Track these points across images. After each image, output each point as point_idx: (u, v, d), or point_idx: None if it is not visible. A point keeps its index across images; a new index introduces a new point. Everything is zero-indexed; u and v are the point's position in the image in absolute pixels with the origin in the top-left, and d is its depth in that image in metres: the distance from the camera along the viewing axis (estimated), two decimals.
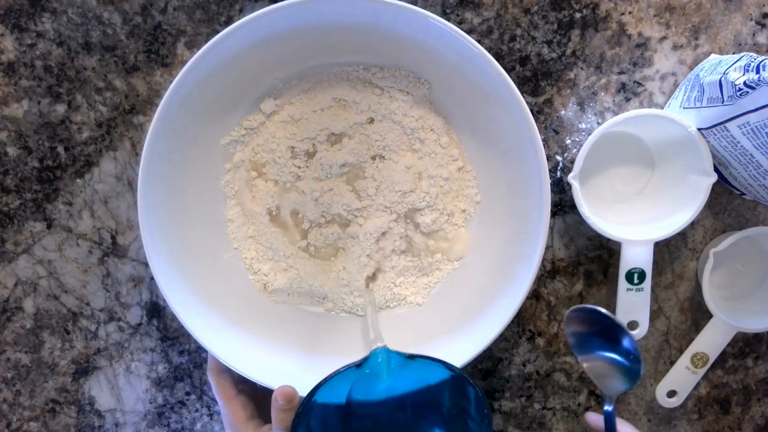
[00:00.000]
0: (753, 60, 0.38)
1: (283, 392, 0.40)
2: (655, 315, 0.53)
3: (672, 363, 0.53)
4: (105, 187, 0.50)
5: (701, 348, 0.51)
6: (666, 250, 0.52)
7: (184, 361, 0.53)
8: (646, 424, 0.55)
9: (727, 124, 0.41)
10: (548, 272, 0.52)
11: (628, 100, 0.50)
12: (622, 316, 0.49)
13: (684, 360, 0.51)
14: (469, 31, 0.48)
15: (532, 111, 0.42)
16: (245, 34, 0.41)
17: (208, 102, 0.45)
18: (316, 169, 0.48)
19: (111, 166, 0.50)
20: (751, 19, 0.49)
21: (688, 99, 0.46)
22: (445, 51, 0.43)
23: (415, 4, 0.44)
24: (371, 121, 0.48)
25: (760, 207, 0.51)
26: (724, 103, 0.41)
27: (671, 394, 0.52)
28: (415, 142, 0.48)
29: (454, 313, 0.48)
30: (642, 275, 0.48)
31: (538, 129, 0.42)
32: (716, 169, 0.46)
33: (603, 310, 0.45)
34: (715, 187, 0.46)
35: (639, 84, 0.49)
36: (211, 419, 0.54)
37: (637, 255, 0.48)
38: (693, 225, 0.51)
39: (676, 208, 0.47)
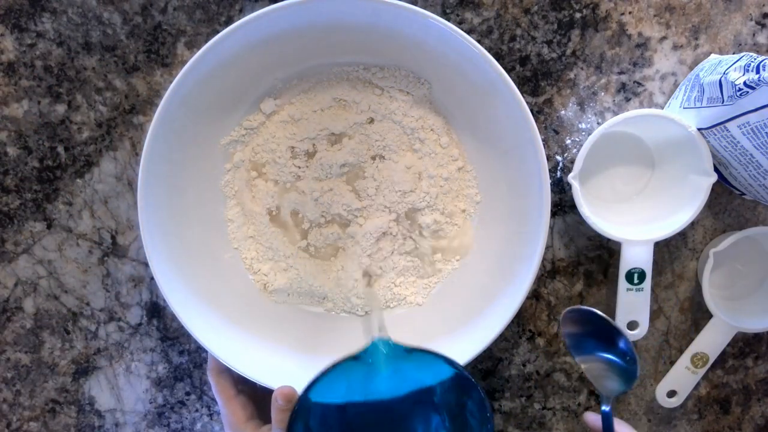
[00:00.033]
0: (753, 60, 0.38)
1: (283, 392, 0.40)
2: (655, 315, 0.53)
3: (672, 363, 0.53)
4: (105, 187, 0.50)
5: (701, 348, 0.51)
6: (666, 250, 0.52)
7: (184, 361, 0.53)
8: (646, 424, 0.55)
9: (727, 124, 0.41)
10: (548, 272, 0.52)
11: (628, 100, 0.50)
12: (622, 316, 0.49)
13: (684, 360, 0.51)
14: (469, 31, 0.48)
15: (532, 111, 0.42)
16: (245, 34, 0.41)
17: (208, 102, 0.45)
18: (316, 169, 0.48)
19: (111, 166, 0.50)
20: (751, 19, 0.49)
21: (688, 99, 0.46)
22: (445, 51, 0.43)
23: (415, 4, 0.44)
24: (371, 121, 0.48)
25: (760, 207, 0.51)
26: (724, 103, 0.41)
27: (671, 394, 0.52)
28: (415, 142, 0.48)
29: (454, 313, 0.48)
30: (642, 275, 0.48)
31: (538, 129, 0.42)
32: (716, 169, 0.46)
33: (598, 312, 0.45)
34: (715, 187, 0.46)
35: (639, 84, 0.49)
36: (211, 419, 0.54)
37: (637, 255, 0.48)
38: (693, 225, 0.51)
39: (676, 208, 0.47)
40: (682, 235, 0.51)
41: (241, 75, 0.45)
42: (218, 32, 0.41)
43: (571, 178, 0.46)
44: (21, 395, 0.53)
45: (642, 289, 0.48)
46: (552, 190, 0.45)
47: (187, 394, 0.54)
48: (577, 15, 0.49)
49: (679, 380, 0.52)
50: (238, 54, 0.43)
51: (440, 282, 0.50)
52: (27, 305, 0.52)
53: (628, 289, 0.48)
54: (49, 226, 0.51)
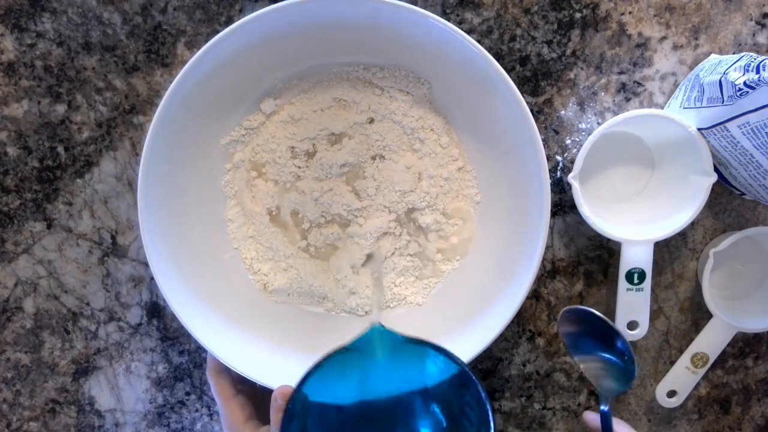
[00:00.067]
0: (753, 60, 0.38)
1: (283, 392, 0.40)
2: (655, 315, 0.53)
3: (672, 363, 0.53)
4: (105, 187, 0.50)
5: (701, 348, 0.51)
6: (666, 250, 0.52)
7: (184, 361, 0.53)
8: (646, 424, 0.55)
9: (727, 124, 0.41)
10: (548, 272, 0.52)
11: (628, 100, 0.50)
12: (622, 316, 0.49)
13: (684, 360, 0.51)
14: (469, 31, 0.48)
15: (532, 111, 0.42)
16: (245, 34, 0.41)
17: (208, 102, 0.45)
18: (316, 169, 0.48)
19: (111, 166, 0.50)
20: (751, 19, 0.49)
21: (688, 99, 0.46)
22: (445, 51, 0.43)
23: (415, 4, 0.44)
24: (371, 121, 0.48)
25: (760, 207, 0.51)
26: (724, 103, 0.41)
27: (671, 394, 0.52)
28: (415, 142, 0.48)
29: (454, 313, 0.48)
30: (642, 275, 0.48)
31: (538, 129, 0.42)
32: (716, 169, 0.46)
33: (596, 312, 0.45)
34: (715, 187, 0.46)
35: (639, 84, 0.49)
36: (211, 419, 0.54)
37: (637, 255, 0.48)
38: (693, 225, 0.51)
39: (676, 208, 0.47)
40: (682, 235, 0.51)
41: (241, 75, 0.45)
42: (218, 32, 0.41)
43: (571, 178, 0.46)
44: (21, 395, 0.53)
45: (642, 289, 0.48)
46: (552, 190, 0.45)
47: (187, 394, 0.54)
48: (577, 15, 0.49)
49: (679, 380, 0.52)
50: (238, 54, 0.43)
51: (440, 282, 0.50)
52: (27, 305, 0.52)
53: (628, 289, 0.48)
54: (49, 226, 0.51)
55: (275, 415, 0.40)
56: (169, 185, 0.45)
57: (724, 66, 0.42)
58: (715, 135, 0.43)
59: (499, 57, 0.49)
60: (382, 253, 0.49)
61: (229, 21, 0.48)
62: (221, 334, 0.45)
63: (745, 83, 0.38)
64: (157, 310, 0.52)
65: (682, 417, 0.54)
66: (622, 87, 0.50)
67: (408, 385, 0.36)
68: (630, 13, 0.48)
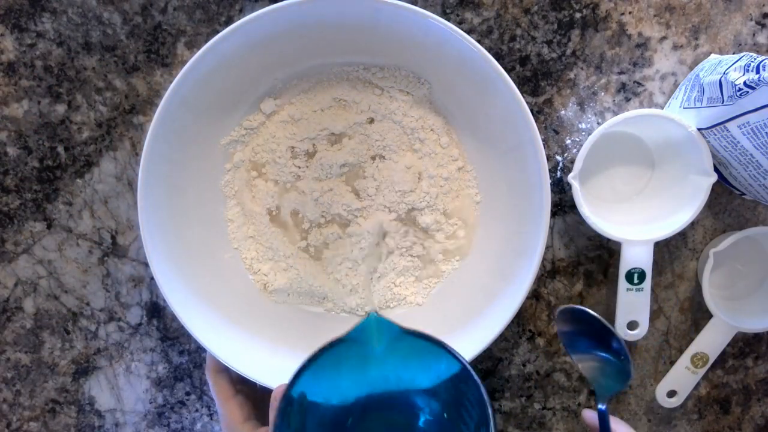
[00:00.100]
0: (753, 60, 0.38)
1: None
2: (655, 315, 0.53)
3: (672, 363, 0.53)
4: (105, 187, 0.50)
5: (701, 348, 0.51)
6: (666, 250, 0.52)
7: (184, 361, 0.53)
8: (646, 424, 0.54)
9: (727, 124, 0.41)
10: (548, 272, 0.52)
11: (628, 100, 0.50)
12: (622, 316, 0.49)
13: (684, 360, 0.51)
14: (469, 31, 0.48)
15: (532, 111, 0.42)
16: (245, 34, 0.41)
17: (208, 102, 0.45)
18: (316, 169, 0.48)
19: (111, 166, 0.50)
20: (751, 19, 0.49)
21: (688, 99, 0.46)
22: (445, 51, 0.43)
23: (415, 4, 0.44)
24: (371, 121, 0.48)
25: (760, 207, 0.51)
26: (724, 103, 0.41)
27: (671, 394, 0.52)
28: (415, 142, 0.48)
29: (454, 313, 0.48)
30: (642, 275, 0.48)
31: (538, 129, 0.42)
32: (716, 169, 0.46)
33: (591, 312, 0.45)
34: (715, 187, 0.46)
35: (639, 84, 0.49)
36: (211, 419, 0.54)
37: (637, 255, 0.48)
38: (693, 225, 0.51)
39: (676, 208, 0.47)
40: (682, 235, 0.51)
41: (241, 75, 0.45)
42: (218, 32, 0.41)
43: (571, 178, 0.46)
44: (21, 395, 0.53)
45: (642, 289, 0.48)
46: (552, 190, 0.45)
47: (187, 394, 0.54)
48: (577, 15, 0.49)
49: (679, 380, 0.52)
50: (238, 54, 0.43)
51: (440, 282, 0.50)
52: (27, 305, 0.52)
53: (628, 289, 0.48)
54: (49, 226, 0.51)
55: (273, 416, 0.40)
56: (169, 185, 0.45)
57: (724, 66, 0.42)
58: (715, 135, 0.43)
59: (499, 57, 0.49)
60: (380, 251, 0.49)
61: (229, 21, 0.48)
62: (221, 334, 0.45)
63: (745, 83, 0.38)
64: (157, 310, 0.52)
65: (682, 417, 0.54)
66: (622, 87, 0.50)
67: (406, 381, 0.35)
68: (630, 13, 0.48)
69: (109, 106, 0.49)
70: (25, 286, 0.51)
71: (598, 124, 0.50)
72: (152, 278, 0.48)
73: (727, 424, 0.55)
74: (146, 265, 0.51)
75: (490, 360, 0.53)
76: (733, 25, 0.49)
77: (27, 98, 0.49)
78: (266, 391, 0.43)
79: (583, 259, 0.52)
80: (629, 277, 0.48)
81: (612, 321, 0.50)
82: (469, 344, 0.44)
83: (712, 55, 0.49)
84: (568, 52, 0.49)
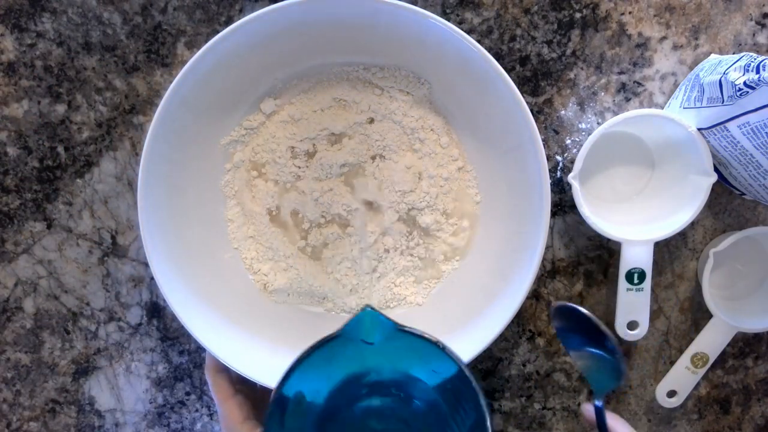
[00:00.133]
0: (753, 60, 0.38)
1: None
2: (655, 315, 0.53)
3: (672, 363, 0.53)
4: (105, 187, 0.50)
5: (701, 348, 0.51)
6: (666, 250, 0.52)
7: (184, 361, 0.53)
8: (646, 424, 0.54)
9: (727, 124, 0.41)
10: (548, 272, 0.52)
11: (628, 100, 0.50)
12: (622, 316, 0.49)
13: (684, 360, 0.51)
14: (469, 31, 0.48)
15: (532, 111, 0.42)
16: (245, 34, 0.41)
17: (208, 102, 0.45)
18: (316, 169, 0.48)
19: (111, 166, 0.50)
20: (751, 19, 0.49)
21: (688, 99, 0.46)
22: (445, 51, 0.43)
23: (415, 4, 0.44)
24: (371, 121, 0.48)
25: (760, 207, 0.51)
26: (724, 103, 0.41)
27: (671, 394, 0.52)
28: (415, 142, 0.48)
29: (454, 313, 0.48)
30: (642, 275, 0.48)
31: (538, 129, 0.42)
32: (716, 169, 0.46)
33: (582, 310, 0.44)
34: (715, 187, 0.46)
35: (639, 84, 0.49)
36: (211, 419, 0.54)
37: (637, 255, 0.48)
38: (693, 225, 0.51)
39: (676, 208, 0.47)
40: (682, 235, 0.51)
41: (241, 75, 0.45)
42: (218, 32, 0.41)
43: (571, 178, 0.46)
44: (21, 395, 0.53)
45: (642, 289, 0.48)
46: (552, 190, 0.45)
47: (187, 394, 0.54)
48: (577, 15, 0.49)
49: (679, 380, 0.52)
50: (238, 54, 0.43)
51: (440, 282, 0.50)
52: (27, 305, 0.52)
53: (628, 289, 0.48)
54: (49, 226, 0.51)
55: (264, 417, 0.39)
56: (169, 185, 0.45)
57: (724, 66, 0.42)
58: (715, 135, 0.43)
59: (499, 57, 0.49)
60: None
61: (229, 21, 0.48)
62: (221, 334, 0.45)
63: (745, 83, 0.38)
64: (157, 310, 0.52)
65: (682, 417, 0.54)
66: (622, 87, 0.50)
67: (397, 380, 0.34)
68: (630, 13, 0.48)
69: (109, 106, 0.49)
70: (25, 286, 0.52)
71: (598, 124, 0.50)
72: (152, 278, 0.48)
73: (727, 424, 0.55)
74: (146, 265, 0.51)
75: (490, 360, 0.53)
76: (733, 25, 0.49)
77: (27, 98, 0.49)
78: (266, 391, 0.43)
79: (583, 259, 0.52)
80: (629, 277, 0.48)
81: (612, 321, 0.50)
82: (469, 344, 0.44)
83: (712, 55, 0.49)
84: (568, 52, 0.49)
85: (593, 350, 0.46)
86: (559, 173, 0.51)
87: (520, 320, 0.53)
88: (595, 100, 0.50)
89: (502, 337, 0.52)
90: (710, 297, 0.50)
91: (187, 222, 0.46)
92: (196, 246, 0.47)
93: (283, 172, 0.49)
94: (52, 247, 0.51)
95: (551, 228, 0.51)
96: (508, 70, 0.46)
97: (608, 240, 0.49)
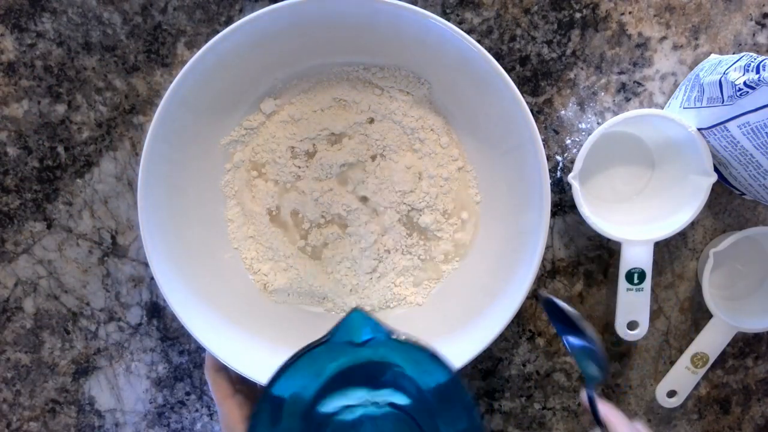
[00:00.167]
0: (753, 60, 0.38)
1: None
2: (655, 315, 0.53)
3: (672, 363, 0.53)
4: (105, 187, 0.50)
5: (701, 348, 0.51)
6: (666, 250, 0.52)
7: (184, 361, 0.53)
8: (646, 424, 0.54)
9: (727, 124, 0.41)
10: (548, 272, 0.52)
11: (628, 100, 0.50)
12: (622, 316, 0.49)
13: (684, 360, 0.51)
14: (469, 31, 0.48)
15: (532, 111, 0.42)
16: (245, 34, 0.41)
17: (208, 102, 0.45)
18: (316, 169, 0.48)
19: (111, 166, 0.50)
20: (751, 19, 0.49)
21: (688, 99, 0.46)
22: (445, 51, 0.43)
23: (415, 4, 0.44)
24: (371, 121, 0.48)
25: (760, 207, 0.51)
26: (724, 103, 0.41)
27: (671, 394, 0.52)
28: (415, 142, 0.48)
29: (454, 313, 0.48)
30: (642, 275, 0.48)
31: (538, 129, 0.42)
32: (716, 169, 0.46)
33: (560, 304, 0.43)
34: (715, 187, 0.46)
35: (639, 84, 0.49)
36: (211, 419, 0.54)
37: (637, 255, 0.48)
38: (693, 225, 0.51)
39: (676, 208, 0.47)
40: (682, 235, 0.51)
41: (241, 75, 0.45)
42: (218, 32, 0.41)
43: (571, 178, 0.46)
44: (21, 395, 0.53)
45: (642, 289, 0.48)
46: (552, 190, 0.45)
47: (187, 394, 0.54)
48: (577, 15, 0.49)
49: (679, 380, 0.52)
50: (238, 54, 0.43)
51: (440, 282, 0.50)
52: (27, 305, 0.52)
53: (628, 289, 0.48)
54: (49, 226, 0.51)
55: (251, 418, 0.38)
56: (169, 185, 0.45)
57: (724, 66, 0.42)
58: (715, 135, 0.43)
59: (499, 57, 0.49)
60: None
61: (229, 21, 0.48)
62: (221, 334, 0.45)
63: (745, 83, 0.38)
64: (157, 310, 0.52)
65: (682, 417, 0.54)
66: (622, 87, 0.50)
67: (385, 386, 0.33)
68: (630, 13, 0.48)
69: (109, 106, 0.49)
70: (25, 286, 0.52)
71: (598, 124, 0.50)
72: (152, 278, 0.48)
73: (727, 424, 0.55)
74: (146, 265, 0.51)
75: (490, 360, 0.53)
76: (733, 25, 0.49)
77: (27, 98, 0.49)
78: None
79: (583, 259, 0.52)
80: (629, 277, 0.48)
81: (612, 321, 0.50)
82: (469, 344, 0.44)
83: (712, 55, 0.49)
84: (568, 52, 0.49)
85: (578, 341, 0.45)
86: (559, 173, 0.51)
87: (520, 320, 0.53)
88: (595, 100, 0.50)
89: (502, 337, 0.52)
90: (710, 297, 0.50)
91: (187, 222, 0.46)
92: (196, 246, 0.47)
93: (283, 172, 0.49)
94: (52, 247, 0.51)
95: (551, 228, 0.51)
96: (508, 70, 0.46)
97: (608, 240, 0.49)
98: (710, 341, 0.51)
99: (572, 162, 0.48)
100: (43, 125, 0.49)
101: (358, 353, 0.32)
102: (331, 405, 0.32)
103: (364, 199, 0.49)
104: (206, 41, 0.41)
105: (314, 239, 0.50)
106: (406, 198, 0.48)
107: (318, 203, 0.49)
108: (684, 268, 0.52)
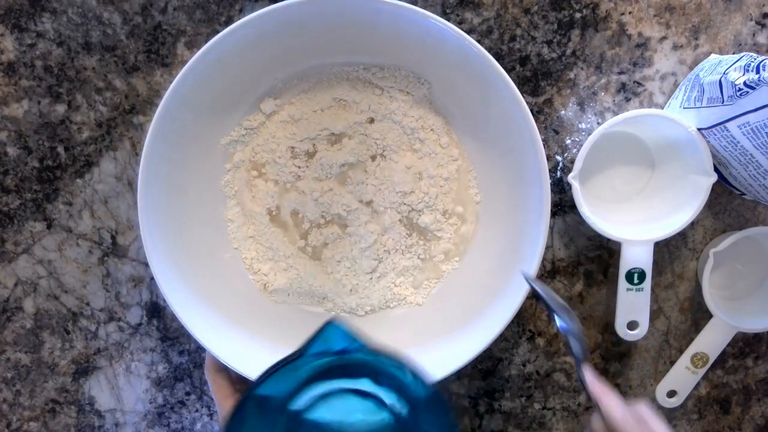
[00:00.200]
0: (753, 60, 0.38)
1: None
2: (655, 315, 0.53)
3: (672, 363, 0.53)
4: (105, 187, 0.50)
5: (701, 348, 0.51)
6: (666, 250, 0.52)
7: (184, 361, 0.53)
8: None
9: (727, 124, 0.41)
10: (548, 272, 0.52)
11: (628, 100, 0.50)
12: (622, 316, 0.49)
13: (684, 360, 0.51)
14: (469, 31, 0.48)
15: (532, 111, 0.42)
16: (245, 34, 0.41)
17: (208, 102, 0.45)
18: (316, 169, 0.48)
19: (111, 166, 0.50)
20: (751, 19, 0.49)
21: (688, 99, 0.46)
22: (445, 51, 0.43)
23: (415, 4, 0.44)
24: (371, 121, 0.48)
25: (760, 207, 0.51)
26: (724, 103, 0.41)
27: (671, 394, 0.52)
28: (415, 142, 0.48)
29: (454, 313, 0.48)
30: (642, 275, 0.48)
31: (538, 129, 0.42)
32: (716, 169, 0.46)
33: (534, 287, 0.42)
34: (715, 187, 0.46)
35: (639, 84, 0.49)
36: (211, 419, 0.54)
37: (637, 255, 0.48)
38: (693, 225, 0.51)
39: (676, 208, 0.47)
40: (682, 235, 0.51)
41: (241, 75, 0.45)
42: (218, 32, 0.41)
43: (571, 178, 0.46)
44: (21, 395, 0.53)
45: (642, 289, 0.48)
46: (552, 190, 0.45)
47: (187, 394, 0.54)
48: (577, 15, 0.49)
49: (679, 380, 0.52)
50: (238, 54, 0.43)
51: (440, 282, 0.50)
52: (27, 305, 0.52)
53: (628, 289, 0.48)
54: (49, 226, 0.51)
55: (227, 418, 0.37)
56: (169, 185, 0.45)
57: (724, 66, 0.42)
58: (715, 135, 0.43)
59: (499, 57, 0.49)
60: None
61: (229, 21, 0.48)
62: (221, 334, 0.45)
63: (745, 83, 0.38)
64: (157, 310, 0.52)
65: (682, 417, 0.54)
66: (622, 87, 0.50)
67: (365, 398, 0.31)
68: (630, 13, 0.48)
69: (109, 106, 0.49)
70: (25, 286, 0.51)
71: (598, 124, 0.50)
72: (152, 278, 0.48)
73: (727, 424, 0.55)
74: (146, 265, 0.51)
75: (490, 360, 0.53)
76: (733, 25, 0.49)
77: (27, 98, 0.49)
78: None
79: (583, 259, 0.52)
80: (629, 277, 0.48)
81: (612, 321, 0.50)
82: (469, 344, 0.44)
83: (712, 55, 0.49)
84: (568, 52, 0.49)
85: (562, 323, 0.43)
86: (559, 173, 0.51)
87: (520, 320, 0.53)
88: (595, 100, 0.50)
89: (502, 337, 0.52)
90: (710, 297, 0.50)
91: (187, 222, 0.46)
92: (196, 246, 0.47)
93: (283, 172, 0.49)
94: (52, 247, 0.51)
95: (551, 228, 0.51)
96: (508, 70, 0.46)
97: (608, 240, 0.49)
98: (710, 341, 0.51)
99: (572, 162, 0.48)
100: (43, 125, 0.49)
101: (333, 359, 0.31)
102: (306, 397, 0.30)
103: (364, 199, 0.49)
104: (206, 41, 0.41)
105: (314, 239, 0.50)
106: (406, 198, 0.48)
107: (318, 203, 0.49)
108: (684, 268, 0.52)
